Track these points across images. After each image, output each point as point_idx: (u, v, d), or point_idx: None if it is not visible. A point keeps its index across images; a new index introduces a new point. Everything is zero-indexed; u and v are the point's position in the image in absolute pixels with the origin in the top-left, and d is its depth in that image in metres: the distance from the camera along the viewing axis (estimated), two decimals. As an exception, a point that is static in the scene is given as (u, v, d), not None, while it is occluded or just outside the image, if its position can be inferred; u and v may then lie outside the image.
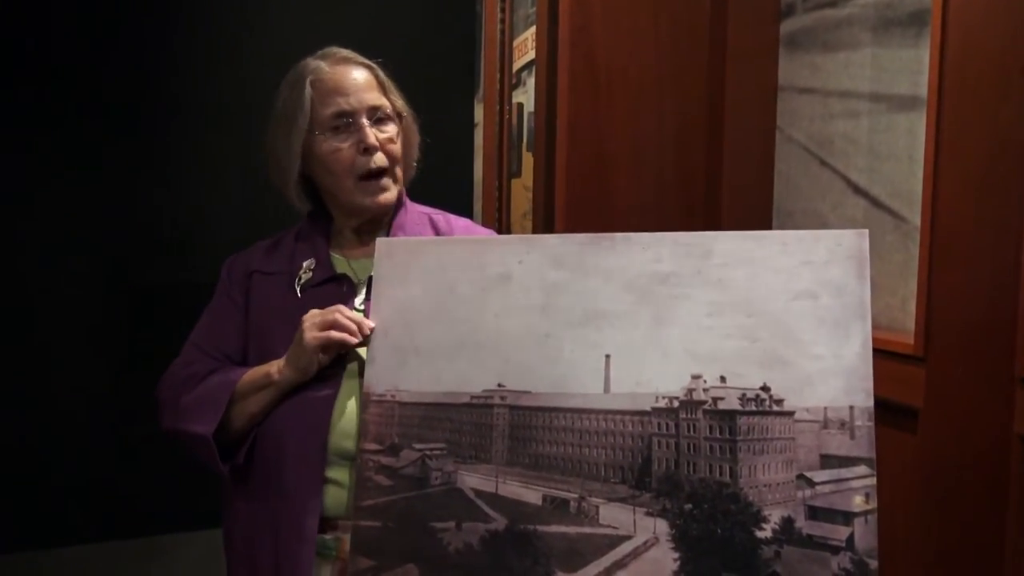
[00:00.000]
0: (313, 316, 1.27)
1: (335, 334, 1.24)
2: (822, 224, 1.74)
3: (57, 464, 3.00)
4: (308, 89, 1.37)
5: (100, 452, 3.07)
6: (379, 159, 1.37)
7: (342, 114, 1.36)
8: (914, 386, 1.37)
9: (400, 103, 1.44)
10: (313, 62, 1.41)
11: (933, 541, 1.33)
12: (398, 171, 1.41)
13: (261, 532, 1.28)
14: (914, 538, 1.37)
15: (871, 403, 0.99)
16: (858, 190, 1.64)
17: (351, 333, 1.24)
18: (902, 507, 1.39)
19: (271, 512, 1.27)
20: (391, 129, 1.40)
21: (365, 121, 1.36)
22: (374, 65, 1.43)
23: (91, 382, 3.08)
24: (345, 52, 1.43)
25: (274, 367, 1.29)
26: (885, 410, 1.32)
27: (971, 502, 1.29)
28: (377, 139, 1.36)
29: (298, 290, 1.38)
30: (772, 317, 1.04)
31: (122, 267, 3.11)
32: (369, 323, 1.24)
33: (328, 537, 1.26)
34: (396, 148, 1.40)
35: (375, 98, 1.38)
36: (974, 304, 1.29)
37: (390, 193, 1.40)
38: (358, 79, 1.38)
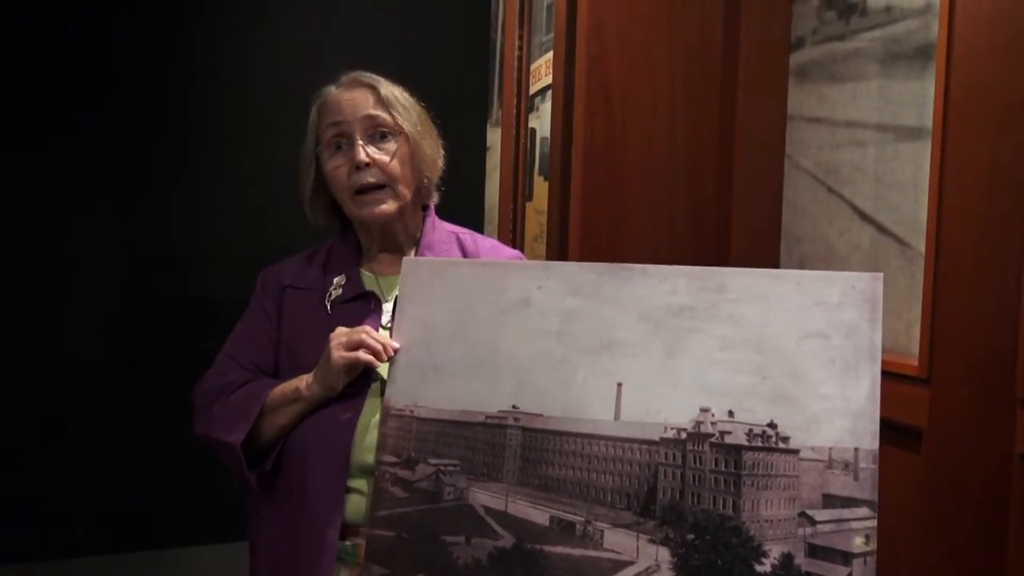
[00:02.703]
0: (340, 335, 1.21)
1: (363, 355, 1.18)
2: (829, 249, 1.68)
3: (71, 476, 2.88)
4: (314, 112, 1.35)
5: (114, 465, 2.92)
6: (370, 175, 1.30)
7: (337, 132, 1.32)
8: (918, 407, 1.32)
9: (405, 120, 1.34)
10: (327, 87, 1.37)
11: (935, 559, 1.28)
12: (400, 188, 1.33)
13: (284, 541, 1.24)
14: (916, 556, 1.32)
15: (876, 446, 0.93)
16: (864, 217, 1.58)
17: (376, 354, 1.18)
18: (905, 525, 1.34)
19: (294, 522, 1.23)
20: (390, 147, 1.32)
21: (359, 139, 1.30)
22: (379, 83, 1.35)
23: (104, 393, 2.98)
24: (356, 74, 1.36)
25: (303, 383, 1.24)
26: (889, 430, 1.28)
27: (973, 520, 1.24)
28: (372, 156, 1.30)
29: (328, 306, 1.33)
30: (783, 355, 0.98)
31: (136, 279, 2.97)
32: (394, 344, 1.18)
33: (348, 543, 1.22)
34: (394, 165, 1.32)
35: (370, 113, 1.31)
36: (976, 327, 1.24)
37: (386, 206, 1.32)
38: (356, 97, 1.32)
